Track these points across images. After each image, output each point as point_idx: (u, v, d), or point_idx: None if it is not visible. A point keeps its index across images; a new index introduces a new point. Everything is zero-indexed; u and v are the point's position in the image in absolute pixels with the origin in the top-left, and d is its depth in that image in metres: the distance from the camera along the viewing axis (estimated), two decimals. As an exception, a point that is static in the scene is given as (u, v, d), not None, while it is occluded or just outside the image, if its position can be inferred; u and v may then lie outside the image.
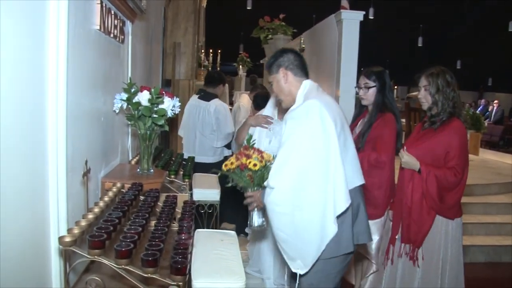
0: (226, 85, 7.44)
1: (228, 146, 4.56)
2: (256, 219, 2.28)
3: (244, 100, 5.91)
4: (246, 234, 4.04)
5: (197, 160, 4.01)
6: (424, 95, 2.73)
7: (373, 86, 2.93)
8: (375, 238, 2.91)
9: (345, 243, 2.07)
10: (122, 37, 2.69)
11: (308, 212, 1.96)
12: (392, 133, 2.87)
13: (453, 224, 2.69)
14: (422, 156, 2.67)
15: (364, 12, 4.23)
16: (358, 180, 2.20)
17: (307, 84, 2.21)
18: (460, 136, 2.63)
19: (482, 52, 18.40)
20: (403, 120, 7.28)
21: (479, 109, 14.58)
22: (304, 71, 2.26)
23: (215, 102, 4.42)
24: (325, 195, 1.96)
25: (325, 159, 1.98)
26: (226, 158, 4.58)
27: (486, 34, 17.96)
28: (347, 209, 2.03)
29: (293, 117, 2.07)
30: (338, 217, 2.01)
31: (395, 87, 18.47)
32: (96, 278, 1.49)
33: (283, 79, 2.23)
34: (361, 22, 4.19)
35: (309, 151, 1.99)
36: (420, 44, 18.33)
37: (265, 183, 2.08)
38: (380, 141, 2.86)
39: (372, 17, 13.30)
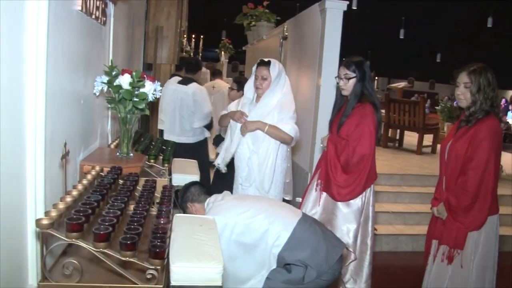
0: (204, 69, 8.93)
1: (207, 127, 4.93)
2: None
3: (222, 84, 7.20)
4: None
5: (178, 141, 4.33)
6: (463, 92, 2.67)
7: (353, 77, 2.95)
8: (353, 226, 2.96)
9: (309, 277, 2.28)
10: (104, 19, 2.65)
11: None
12: (372, 124, 2.89)
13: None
14: (455, 157, 2.67)
15: (348, 2, 4.23)
16: (295, 216, 2.42)
17: (207, 204, 2.54)
18: (490, 131, 2.57)
19: (462, 46, 18.65)
20: (383, 111, 7.37)
21: (456, 101, 14.77)
22: (206, 193, 2.62)
23: (193, 85, 4.75)
24: None
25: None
26: (206, 139, 4.98)
27: (466, 29, 18.20)
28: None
29: None
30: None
31: (376, 78, 18.64)
32: (74, 261, 1.48)
33: (193, 210, 2.58)
34: (344, 12, 4.19)
35: None
36: (401, 37, 18.45)
37: None
38: (360, 134, 2.89)
39: (355, 8, 13.33)
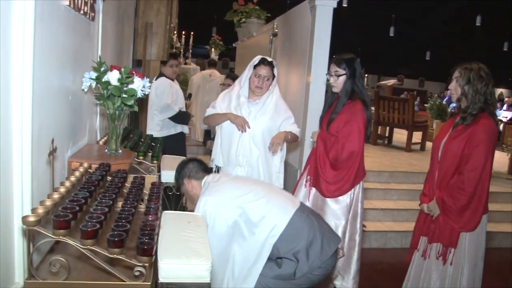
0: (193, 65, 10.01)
1: (178, 121, 4.82)
2: None
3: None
4: None
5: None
6: (454, 86, 2.70)
7: (343, 74, 2.97)
8: (341, 222, 2.97)
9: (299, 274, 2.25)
10: (93, 14, 2.63)
11: None
12: (362, 122, 2.91)
13: None
14: (451, 155, 2.68)
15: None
16: (292, 205, 2.37)
17: (203, 182, 2.49)
18: (487, 133, 2.59)
19: (451, 44, 18.77)
20: (373, 108, 7.40)
21: (445, 99, 14.88)
22: (204, 171, 2.56)
23: (158, 80, 4.73)
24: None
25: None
26: (180, 134, 4.91)
27: (455, 27, 18.32)
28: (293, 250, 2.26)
29: None
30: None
31: (366, 75, 18.69)
32: (61, 258, 1.47)
33: (189, 187, 2.54)
34: (334, 9, 4.20)
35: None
36: (392, 34, 18.51)
37: None
38: (349, 131, 2.90)
39: (345, 5, 13.34)
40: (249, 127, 3.22)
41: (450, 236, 2.68)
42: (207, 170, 2.60)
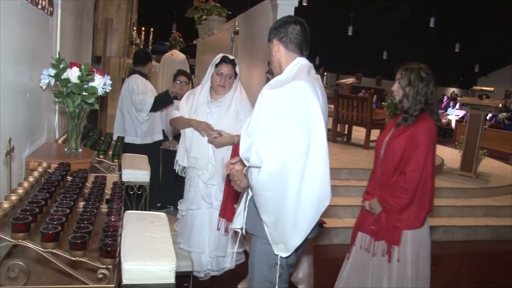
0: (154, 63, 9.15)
1: (161, 105, 4.44)
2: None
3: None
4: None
5: (126, 140, 4.07)
6: (397, 88, 2.77)
7: None
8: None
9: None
10: (51, 9, 2.56)
11: (288, 197, 2.07)
12: None
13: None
14: (392, 154, 2.73)
15: (299, -2, 4.29)
16: None
17: (299, 62, 2.18)
18: (427, 134, 2.66)
19: (407, 44, 19.28)
20: (331, 106, 7.51)
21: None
22: (300, 47, 2.20)
23: (131, 77, 4.42)
24: (302, 183, 2.10)
25: (308, 145, 2.07)
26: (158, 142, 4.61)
27: (410, 27, 18.82)
28: None
29: (277, 95, 2.06)
30: None
31: (325, 73, 18.96)
32: (20, 263, 1.42)
33: (274, 50, 2.23)
34: (295, 8, 4.24)
35: (295, 133, 2.02)
36: (350, 33, 18.83)
37: (248, 163, 2.10)
38: None
39: (305, 4, 13.46)
40: (213, 130, 3.20)
41: (393, 234, 2.74)
42: (303, 48, 2.23)
